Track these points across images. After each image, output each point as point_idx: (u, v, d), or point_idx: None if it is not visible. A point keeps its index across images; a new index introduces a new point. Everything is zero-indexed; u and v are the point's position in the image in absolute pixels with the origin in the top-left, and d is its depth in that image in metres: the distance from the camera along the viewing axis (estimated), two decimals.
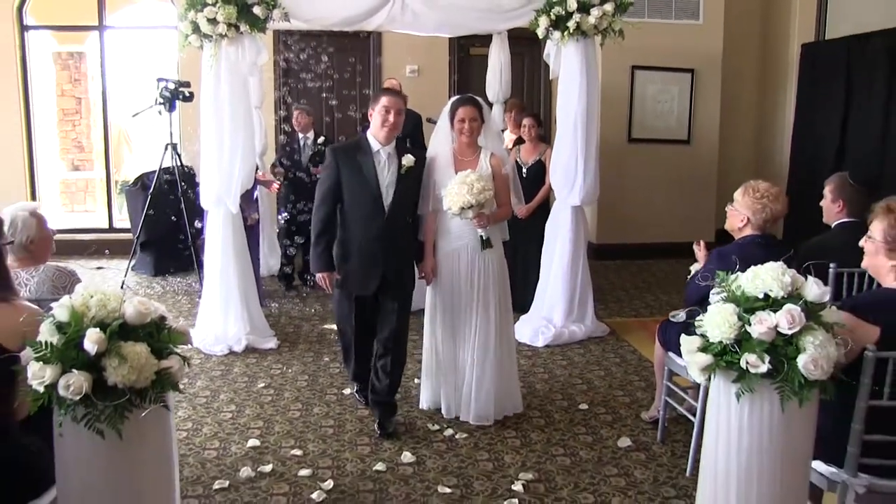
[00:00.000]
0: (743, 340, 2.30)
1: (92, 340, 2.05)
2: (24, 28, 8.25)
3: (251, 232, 5.76)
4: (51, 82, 9.91)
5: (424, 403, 4.28)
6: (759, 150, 8.69)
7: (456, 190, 3.75)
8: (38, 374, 2.05)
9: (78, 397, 2.03)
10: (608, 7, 5.18)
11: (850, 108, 7.22)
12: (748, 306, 2.32)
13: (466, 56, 8.46)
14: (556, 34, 5.24)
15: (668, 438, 3.87)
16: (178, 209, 6.75)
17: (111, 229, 8.63)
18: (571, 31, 5.16)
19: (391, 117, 3.82)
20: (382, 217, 3.83)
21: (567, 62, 5.33)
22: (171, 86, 6.62)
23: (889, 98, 6.72)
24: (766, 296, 2.32)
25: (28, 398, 2.12)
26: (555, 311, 5.50)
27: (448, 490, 3.37)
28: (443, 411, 4.16)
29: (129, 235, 7.83)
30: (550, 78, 5.67)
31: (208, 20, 4.90)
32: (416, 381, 4.51)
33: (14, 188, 7.89)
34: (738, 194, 3.48)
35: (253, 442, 3.82)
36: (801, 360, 2.21)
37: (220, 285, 5.22)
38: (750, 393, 2.30)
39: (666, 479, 3.49)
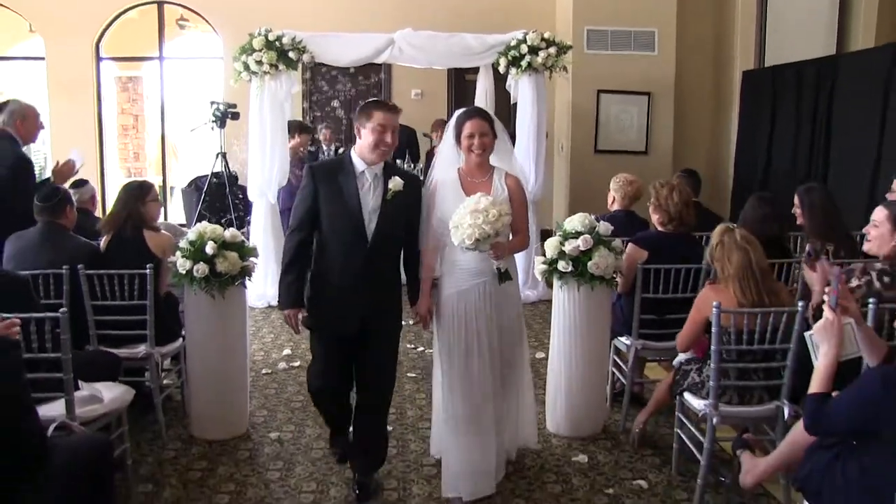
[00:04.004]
0: (561, 255, 4.33)
1: (210, 247, 4.15)
2: (99, 59, 10.56)
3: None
4: (112, 102, 12.24)
5: (450, 491, 3.66)
6: (710, 160, 10.63)
7: (469, 220, 3.31)
8: (182, 265, 4.15)
9: (202, 276, 4.14)
10: (552, 50, 7.28)
11: (774, 127, 9.18)
12: (566, 236, 4.35)
13: (462, 81, 10.57)
14: (513, 70, 7.33)
15: None
16: (225, 204, 8.88)
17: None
18: (524, 68, 7.26)
19: (387, 138, 3.46)
20: (364, 247, 3.47)
21: (522, 91, 7.42)
22: (222, 107, 8.77)
23: (798, 120, 8.65)
24: (577, 231, 4.35)
25: (171, 280, 4.26)
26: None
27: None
28: (466, 495, 3.62)
29: (182, 229, 10.01)
30: (511, 103, 7.72)
31: (256, 62, 7.07)
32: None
33: None
34: (611, 184, 5.51)
35: (286, 351, 5.94)
36: (589, 264, 4.23)
37: (262, 255, 7.31)
38: (566, 284, 4.33)
39: None
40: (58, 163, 5.42)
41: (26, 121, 5.17)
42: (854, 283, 3.53)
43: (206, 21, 10.59)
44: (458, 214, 3.39)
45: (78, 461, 2.73)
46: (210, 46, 11.12)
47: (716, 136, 10.71)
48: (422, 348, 6.01)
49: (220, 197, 8.94)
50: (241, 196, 8.79)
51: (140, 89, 12.85)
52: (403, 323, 3.84)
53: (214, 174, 9.09)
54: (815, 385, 2.64)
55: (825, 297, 2.74)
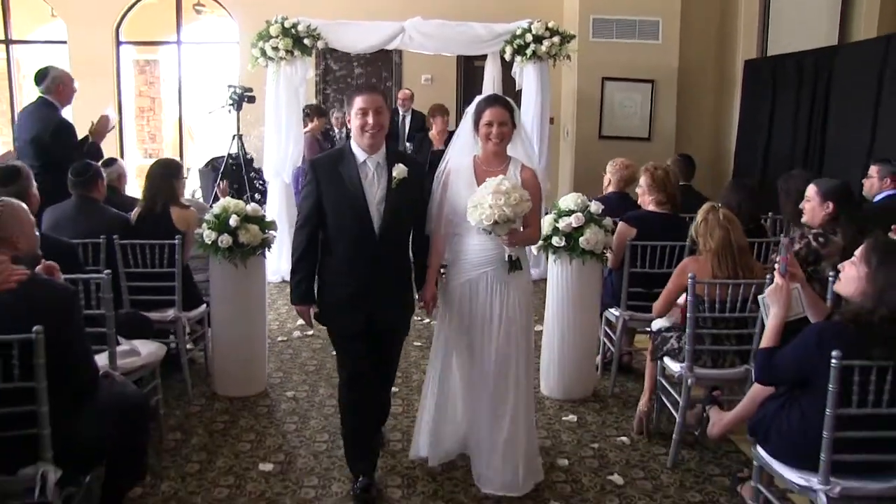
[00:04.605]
0: (555, 232, 4.74)
1: (233, 220, 4.59)
2: (118, 43, 11.02)
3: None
4: (130, 85, 12.69)
5: (417, 452, 3.92)
6: (712, 147, 11.01)
7: (491, 200, 3.30)
8: (208, 235, 4.60)
9: (226, 247, 4.58)
10: (556, 39, 7.67)
11: (773, 114, 9.54)
12: (560, 214, 4.76)
13: (471, 67, 10.96)
14: (519, 58, 7.73)
15: None
16: (241, 183, 9.32)
17: None
18: (529, 56, 7.66)
19: (370, 119, 3.41)
20: (373, 239, 3.43)
21: (527, 78, 7.83)
22: (239, 90, 9.20)
23: (797, 108, 9.02)
24: (570, 210, 4.77)
25: (197, 248, 4.70)
26: None
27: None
28: (433, 461, 3.86)
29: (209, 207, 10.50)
30: (516, 89, 8.11)
31: (272, 48, 7.49)
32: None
33: None
34: (607, 167, 5.92)
35: (300, 321, 6.34)
36: (581, 239, 4.64)
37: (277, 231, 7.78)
38: (560, 258, 4.75)
39: None
40: (93, 123, 6.00)
41: (66, 87, 5.88)
42: (797, 246, 3.97)
43: (222, 6, 11.01)
44: (479, 194, 3.37)
45: (121, 404, 3.18)
46: (225, 31, 11.56)
47: (717, 124, 11.08)
48: (427, 320, 6.43)
49: (237, 177, 9.38)
50: (256, 176, 9.24)
51: (157, 72, 13.31)
52: None
53: (231, 155, 9.54)
54: (765, 341, 3.06)
55: (775, 265, 3.15)
